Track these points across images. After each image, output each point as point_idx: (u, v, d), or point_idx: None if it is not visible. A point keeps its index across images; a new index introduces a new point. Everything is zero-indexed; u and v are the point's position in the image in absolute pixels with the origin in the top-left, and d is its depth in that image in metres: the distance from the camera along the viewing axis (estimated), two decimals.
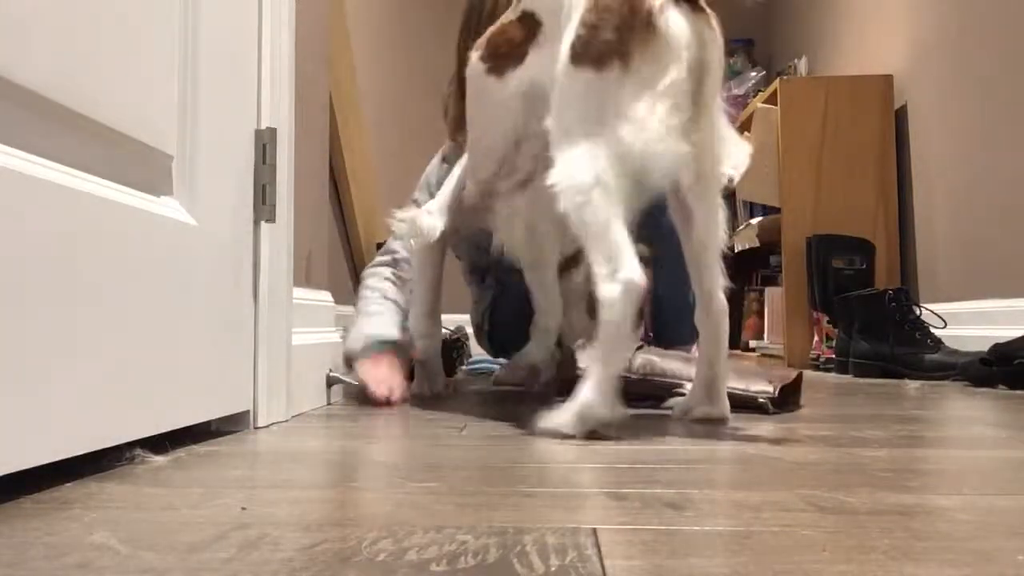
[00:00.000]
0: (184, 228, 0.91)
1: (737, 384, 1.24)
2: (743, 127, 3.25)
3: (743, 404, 1.22)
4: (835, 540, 0.52)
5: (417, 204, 1.87)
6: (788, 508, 0.61)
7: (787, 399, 1.28)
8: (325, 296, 1.50)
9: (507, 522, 0.56)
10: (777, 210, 2.91)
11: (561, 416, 0.99)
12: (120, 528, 0.55)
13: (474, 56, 1.30)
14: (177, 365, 0.88)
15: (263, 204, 1.12)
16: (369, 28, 3.24)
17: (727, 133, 1.10)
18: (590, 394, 0.98)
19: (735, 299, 3.57)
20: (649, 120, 0.99)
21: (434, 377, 1.55)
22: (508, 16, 1.26)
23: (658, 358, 1.34)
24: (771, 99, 2.96)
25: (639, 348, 1.30)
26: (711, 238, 1.09)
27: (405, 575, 0.45)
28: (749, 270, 3.73)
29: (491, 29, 1.30)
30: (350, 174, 2.57)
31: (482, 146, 1.34)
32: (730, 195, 3.74)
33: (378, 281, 1.74)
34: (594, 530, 0.54)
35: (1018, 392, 1.68)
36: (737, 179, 1.11)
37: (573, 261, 1.52)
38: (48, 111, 0.69)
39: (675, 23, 1.01)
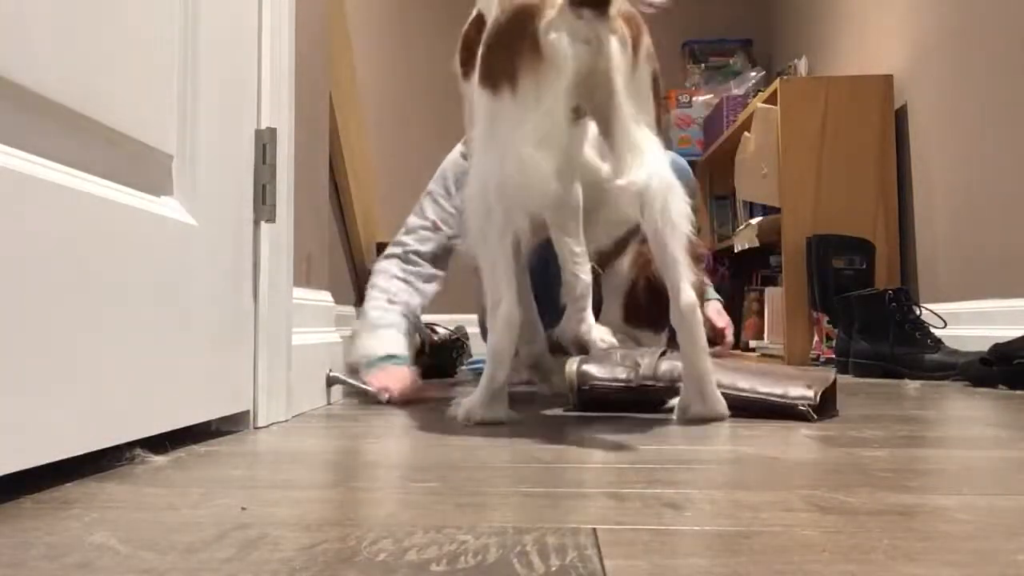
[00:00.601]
0: (184, 228, 0.91)
1: (774, 390, 1.17)
2: (743, 127, 3.25)
3: (782, 412, 1.15)
4: (835, 540, 0.52)
5: (431, 196, 1.87)
6: (788, 508, 0.61)
7: (826, 404, 1.19)
8: (325, 296, 1.50)
9: (507, 522, 0.56)
10: (777, 210, 2.91)
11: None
12: (120, 528, 0.55)
13: (456, 60, 1.31)
14: (177, 365, 0.88)
15: (263, 204, 1.12)
16: (369, 28, 3.24)
17: (639, 141, 1.08)
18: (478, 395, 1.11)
19: (735, 299, 3.59)
20: (524, 151, 1.02)
21: (548, 376, 1.50)
22: (470, 17, 1.27)
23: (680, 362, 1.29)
24: (771, 99, 2.96)
25: (663, 354, 1.27)
26: (667, 236, 1.07)
27: (405, 575, 0.45)
28: (749, 270, 3.72)
29: (461, 34, 1.29)
30: (350, 174, 2.57)
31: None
32: (730, 195, 3.76)
33: (386, 280, 1.74)
34: (594, 530, 0.54)
35: (1018, 392, 1.68)
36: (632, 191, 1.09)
37: (609, 256, 1.53)
38: (48, 111, 0.69)
39: (561, 41, 1.02)
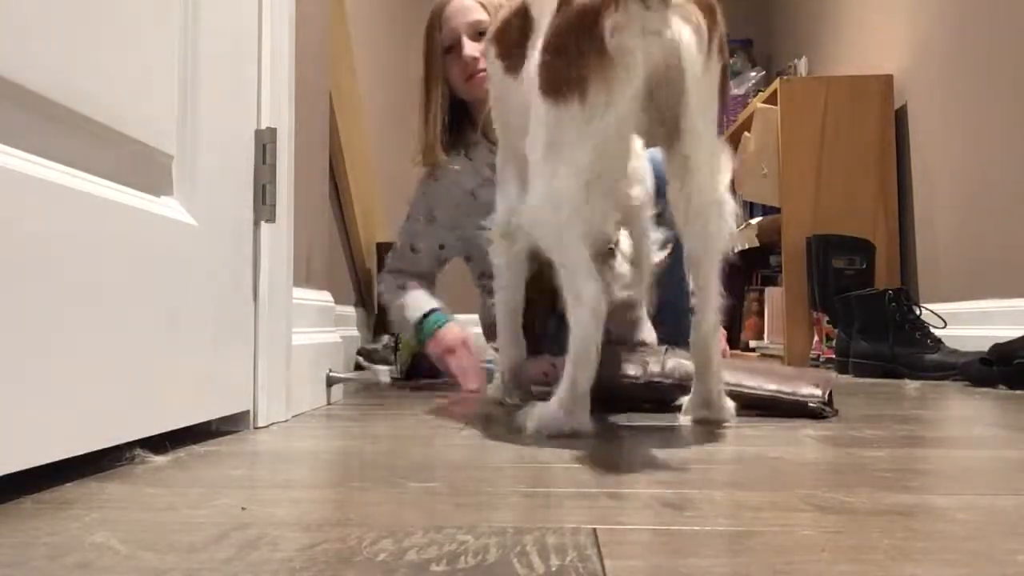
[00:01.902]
0: (184, 228, 0.91)
1: (784, 387, 1.18)
2: (743, 127, 3.25)
3: (791, 409, 1.15)
4: (835, 540, 0.52)
5: (412, 225, 1.96)
6: (788, 508, 0.61)
7: (831, 402, 1.20)
8: (325, 296, 1.50)
9: (507, 522, 0.56)
10: (777, 210, 2.91)
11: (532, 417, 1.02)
12: (120, 528, 0.55)
13: (491, 51, 1.25)
14: (177, 365, 0.88)
15: (263, 204, 1.12)
16: (369, 28, 3.24)
17: (700, 148, 1.01)
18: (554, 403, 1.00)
19: (735, 299, 3.59)
20: (584, 166, 0.97)
21: (512, 390, 1.47)
22: (509, 7, 1.20)
23: (687, 360, 1.27)
24: (771, 99, 2.96)
25: (667, 351, 1.28)
26: (707, 257, 1.04)
27: (405, 575, 0.45)
28: (749, 270, 3.72)
29: (497, 23, 1.24)
30: (350, 174, 2.57)
31: (514, 155, 1.27)
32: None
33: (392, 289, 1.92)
34: (594, 530, 0.54)
35: (1018, 392, 1.68)
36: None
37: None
38: (48, 111, 0.69)
39: (629, 40, 0.94)
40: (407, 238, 1.95)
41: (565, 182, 0.98)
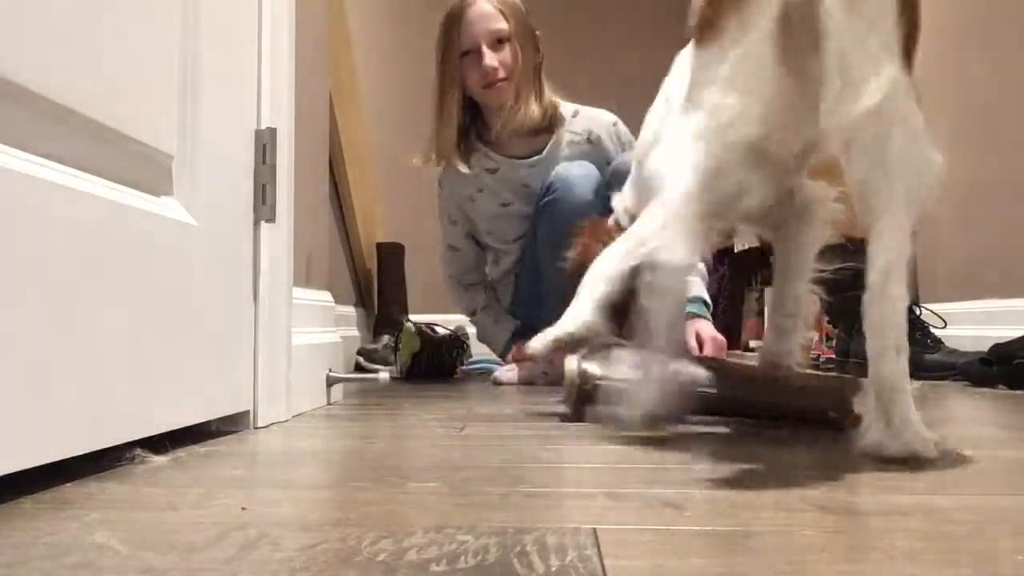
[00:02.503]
0: (184, 228, 0.91)
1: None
2: None
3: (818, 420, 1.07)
4: (835, 540, 0.52)
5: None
6: (788, 508, 0.61)
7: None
8: (325, 296, 1.50)
9: (507, 522, 0.56)
10: None
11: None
12: (120, 528, 0.55)
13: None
14: (177, 365, 0.88)
15: (263, 204, 1.12)
16: (369, 28, 3.24)
17: (856, 61, 0.80)
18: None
19: (735, 299, 3.59)
20: (722, 105, 0.84)
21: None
22: None
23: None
24: None
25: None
26: (879, 188, 0.82)
27: (405, 575, 0.45)
28: (749, 270, 3.72)
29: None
30: (350, 174, 2.57)
31: None
32: None
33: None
34: (594, 530, 0.54)
35: (1018, 392, 1.68)
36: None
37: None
38: (48, 111, 0.69)
39: None
40: (446, 241, 2.13)
41: (694, 126, 0.87)
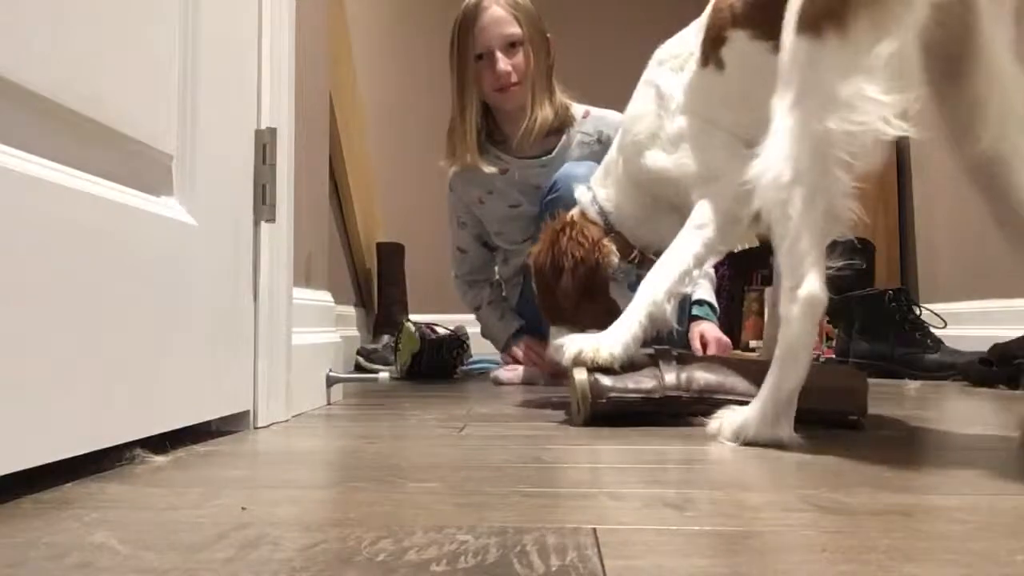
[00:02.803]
0: (184, 228, 0.91)
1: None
2: None
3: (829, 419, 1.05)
4: (835, 540, 0.52)
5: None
6: (788, 508, 0.61)
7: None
8: (325, 296, 1.50)
9: (507, 522, 0.56)
10: None
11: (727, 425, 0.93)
12: (120, 528, 0.55)
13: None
14: (177, 365, 0.88)
15: (263, 204, 1.12)
16: (370, 29, 3.24)
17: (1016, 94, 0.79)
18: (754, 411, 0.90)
19: (735, 299, 3.58)
20: (857, 102, 0.80)
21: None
22: None
23: (703, 372, 1.14)
24: None
25: (676, 359, 1.16)
26: None
27: (405, 575, 0.45)
28: (749, 270, 3.72)
29: None
30: (350, 174, 2.57)
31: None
32: None
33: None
34: (594, 530, 0.54)
35: (1018, 392, 1.68)
36: None
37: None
38: (48, 111, 0.69)
39: None
40: (455, 243, 2.16)
41: (815, 126, 0.83)
